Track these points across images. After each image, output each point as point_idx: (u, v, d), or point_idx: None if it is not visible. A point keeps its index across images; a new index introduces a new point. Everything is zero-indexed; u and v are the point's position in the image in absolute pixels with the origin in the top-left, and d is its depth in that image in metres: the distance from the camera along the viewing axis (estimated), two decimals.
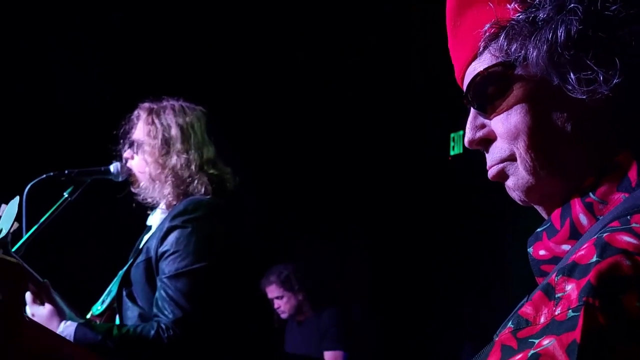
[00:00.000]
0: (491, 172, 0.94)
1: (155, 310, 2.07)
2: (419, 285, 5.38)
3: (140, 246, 2.26)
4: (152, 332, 2.00)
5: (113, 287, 2.27)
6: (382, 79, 4.89)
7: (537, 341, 0.68)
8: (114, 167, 2.33)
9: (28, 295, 2.08)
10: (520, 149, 0.88)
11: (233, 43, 4.68)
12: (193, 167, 2.22)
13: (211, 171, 2.25)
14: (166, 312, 2.02)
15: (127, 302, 2.17)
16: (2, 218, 1.88)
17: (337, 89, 4.97)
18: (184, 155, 2.22)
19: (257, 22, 4.58)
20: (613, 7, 0.81)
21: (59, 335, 1.86)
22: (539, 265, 0.89)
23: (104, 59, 4.54)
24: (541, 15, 0.85)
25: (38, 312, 2.06)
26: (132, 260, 2.25)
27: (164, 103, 2.32)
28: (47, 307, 2.06)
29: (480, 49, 0.92)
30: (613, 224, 0.75)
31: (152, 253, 2.15)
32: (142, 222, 2.37)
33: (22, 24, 4.29)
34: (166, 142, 2.24)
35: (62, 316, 2.06)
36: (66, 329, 2.02)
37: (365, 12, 4.40)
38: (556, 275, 0.71)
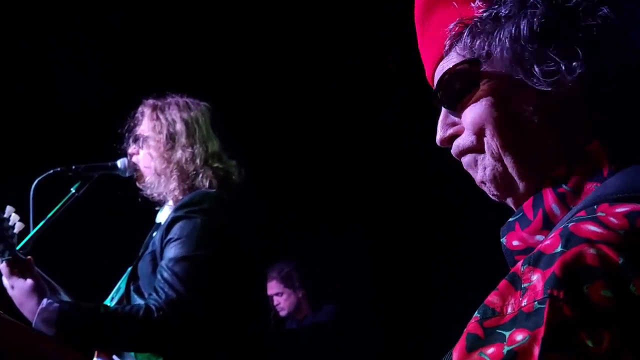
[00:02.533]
0: (464, 161, 0.97)
1: (150, 290, 2.05)
2: (420, 284, 5.38)
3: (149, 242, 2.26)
4: (141, 311, 1.97)
5: (122, 284, 2.26)
6: (384, 77, 4.89)
7: (507, 334, 0.68)
8: (121, 162, 2.33)
9: (3, 267, 2.05)
10: (487, 137, 0.89)
11: (233, 43, 4.68)
12: (198, 161, 2.22)
13: (216, 165, 2.25)
14: (160, 293, 2.00)
15: (135, 296, 2.17)
16: None
17: (337, 88, 4.98)
18: (189, 150, 2.22)
19: (257, 22, 4.58)
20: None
21: (34, 332, 1.84)
22: (513, 255, 0.90)
23: (104, 59, 4.53)
24: (503, 11, 0.87)
25: (18, 284, 2.03)
26: (140, 255, 2.25)
27: (168, 99, 2.33)
28: (29, 281, 2.03)
29: (447, 48, 0.93)
30: (580, 213, 0.76)
31: (157, 245, 2.15)
32: (151, 218, 2.36)
33: (22, 24, 4.28)
34: (171, 137, 2.24)
35: (42, 293, 2.02)
36: (49, 305, 1.98)
37: (368, 11, 4.41)
38: (522, 265, 0.72)
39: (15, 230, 2.04)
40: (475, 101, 0.90)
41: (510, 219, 0.90)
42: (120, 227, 3.92)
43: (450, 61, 0.93)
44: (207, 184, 2.21)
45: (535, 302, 0.67)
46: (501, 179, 0.91)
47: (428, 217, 5.28)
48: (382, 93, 5.00)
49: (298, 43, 4.65)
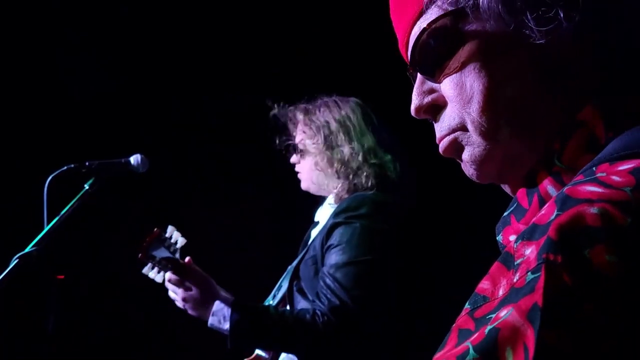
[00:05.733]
0: (442, 146, 0.81)
1: (314, 298, 2.11)
2: (433, 283, 5.36)
3: (309, 242, 2.30)
4: (308, 316, 2.03)
5: (283, 282, 2.31)
6: (393, 74, 4.85)
7: (494, 315, 0.57)
8: (134, 159, 2.31)
9: (172, 277, 2.11)
10: (473, 113, 0.75)
11: (233, 39, 4.64)
12: (360, 157, 2.26)
13: (373, 160, 2.28)
14: (323, 300, 2.05)
15: (298, 297, 2.21)
16: None
17: (348, 85, 4.94)
18: (349, 146, 2.27)
19: (256, 22, 4.55)
20: None
21: None
22: None
23: (112, 50, 4.50)
24: None
25: (189, 296, 2.11)
26: (301, 255, 2.29)
27: (318, 101, 2.39)
28: (195, 289, 2.10)
29: (426, 2, 0.79)
30: (577, 177, 0.65)
31: (318, 250, 2.19)
32: (310, 215, 2.44)
33: (26, 18, 4.24)
34: (328, 139, 2.29)
35: (213, 295, 2.10)
36: (220, 310, 2.07)
37: (368, 11, 4.36)
38: (515, 242, 0.61)
39: (178, 246, 2.17)
40: (460, 66, 0.76)
41: (505, 213, 0.77)
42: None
43: (430, 17, 0.79)
44: (366, 183, 2.24)
45: (529, 273, 0.56)
46: (490, 160, 0.78)
47: (443, 214, 5.25)
48: (393, 89, 4.95)
49: (298, 43, 4.61)
